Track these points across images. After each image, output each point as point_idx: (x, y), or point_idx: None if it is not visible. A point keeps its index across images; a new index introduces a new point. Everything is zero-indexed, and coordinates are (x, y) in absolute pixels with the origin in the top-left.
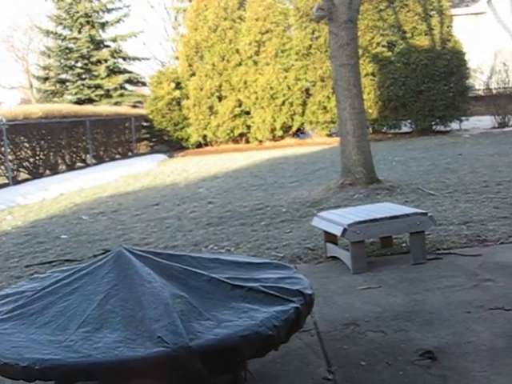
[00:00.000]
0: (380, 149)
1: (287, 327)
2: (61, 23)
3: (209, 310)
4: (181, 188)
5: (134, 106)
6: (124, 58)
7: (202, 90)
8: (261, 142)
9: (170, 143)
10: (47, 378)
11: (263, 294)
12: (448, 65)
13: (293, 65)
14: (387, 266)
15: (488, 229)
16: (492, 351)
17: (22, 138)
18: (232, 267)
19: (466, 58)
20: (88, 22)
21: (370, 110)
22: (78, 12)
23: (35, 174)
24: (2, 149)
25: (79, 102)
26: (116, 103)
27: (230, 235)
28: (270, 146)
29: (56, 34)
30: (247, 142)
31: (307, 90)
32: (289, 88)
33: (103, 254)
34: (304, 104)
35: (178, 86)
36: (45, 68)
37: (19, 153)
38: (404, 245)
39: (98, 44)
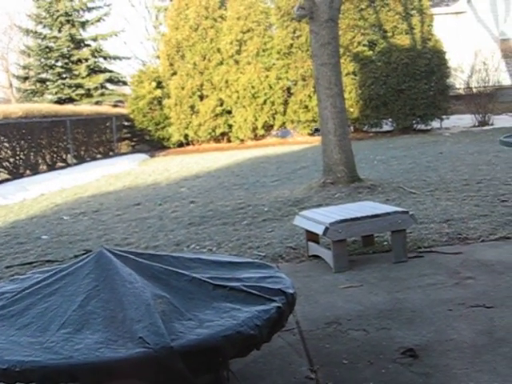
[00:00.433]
0: (361, 147)
1: (269, 326)
2: (41, 22)
3: (190, 310)
4: (162, 187)
5: (115, 106)
6: (105, 57)
7: (183, 89)
8: (242, 141)
9: (151, 143)
10: (28, 380)
11: (245, 293)
12: (429, 64)
13: (274, 64)
14: (369, 264)
15: (469, 227)
16: (473, 348)
17: (2, 137)
18: (214, 267)
19: (447, 57)
20: (68, 21)
21: (352, 109)
22: (58, 11)
23: (15, 174)
24: None
25: (60, 101)
26: (97, 102)
27: (211, 235)
28: (252, 145)
29: (36, 32)
30: (229, 141)
31: (289, 89)
32: (270, 87)
33: (84, 254)
34: (285, 103)
35: (159, 85)
36: (25, 67)
37: None
38: (385, 243)
39: (78, 43)
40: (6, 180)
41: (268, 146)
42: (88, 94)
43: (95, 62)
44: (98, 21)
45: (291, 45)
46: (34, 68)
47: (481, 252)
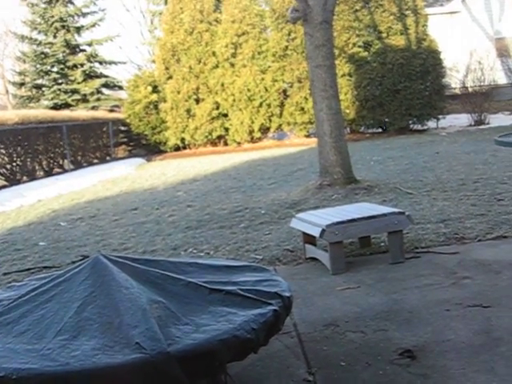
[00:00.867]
0: (358, 149)
1: (266, 330)
2: (36, 28)
3: (187, 314)
4: (159, 192)
5: (111, 111)
6: (100, 62)
7: (179, 93)
8: (239, 144)
9: (148, 147)
10: None
11: (241, 297)
12: (424, 64)
13: (270, 66)
14: (366, 265)
15: (465, 226)
16: (471, 348)
17: None
18: (210, 271)
19: (442, 56)
20: (63, 27)
21: (348, 111)
22: (52, 16)
23: (12, 181)
24: None
25: (56, 107)
26: (93, 108)
27: (209, 238)
28: (249, 147)
29: (31, 39)
30: (225, 144)
31: (284, 92)
32: (266, 90)
33: (82, 260)
34: (281, 105)
35: (155, 89)
36: (20, 73)
37: None
38: (382, 244)
39: (73, 48)
40: (3, 186)
41: (265, 148)
42: (84, 100)
43: (91, 67)
44: (93, 26)
45: (286, 47)
46: (29, 74)
47: (478, 251)
